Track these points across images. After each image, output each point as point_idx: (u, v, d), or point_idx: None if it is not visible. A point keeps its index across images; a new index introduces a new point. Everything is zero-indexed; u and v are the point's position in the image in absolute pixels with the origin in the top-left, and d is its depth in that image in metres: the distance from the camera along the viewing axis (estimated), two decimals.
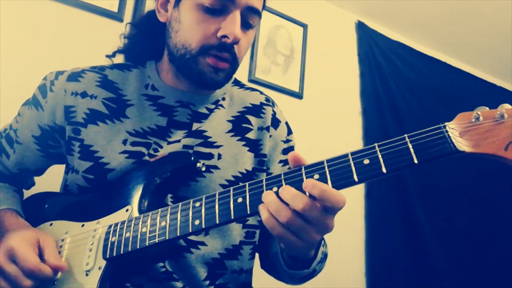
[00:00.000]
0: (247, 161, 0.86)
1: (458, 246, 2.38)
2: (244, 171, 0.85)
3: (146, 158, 0.80)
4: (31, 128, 0.88)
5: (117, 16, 1.69)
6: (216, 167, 0.82)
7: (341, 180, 0.58)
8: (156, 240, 0.67)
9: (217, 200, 0.65)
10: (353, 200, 2.16)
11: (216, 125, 0.87)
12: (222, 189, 0.67)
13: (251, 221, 0.87)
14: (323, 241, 0.78)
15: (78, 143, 0.82)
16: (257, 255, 0.93)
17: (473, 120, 0.54)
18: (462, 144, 0.53)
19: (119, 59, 0.96)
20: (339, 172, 0.58)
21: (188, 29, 0.78)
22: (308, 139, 1.92)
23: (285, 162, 0.93)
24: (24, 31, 1.52)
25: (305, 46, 2.22)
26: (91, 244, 0.73)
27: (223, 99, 0.92)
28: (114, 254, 0.70)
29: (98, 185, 0.80)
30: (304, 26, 2.25)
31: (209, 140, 0.84)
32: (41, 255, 0.71)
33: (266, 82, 2.05)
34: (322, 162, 0.60)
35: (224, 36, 0.76)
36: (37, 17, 1.55)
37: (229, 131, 0.87)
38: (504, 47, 2.65)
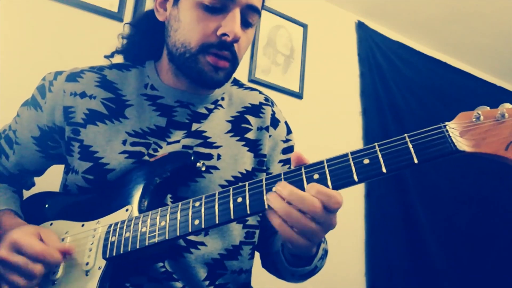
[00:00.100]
0: (246, 161, 0.86)
1: (458, 246, 2.38)
2: (244, 172, 0.85)
3: (146, 158, 0.80)
4: (30, 129, 0.88)
5: (117, 16, 1.69)
6: (215, 168, 0.82)
7: (341, 180, 0.58)
8: (156, 240, 0.67)
9: (216, 200, 0.64)
10: (353, 200, 2.16)
11: (216, 125, 0.87)
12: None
13: (251, 221, 0.87)
14: (323, 238, 0.78)
15: (77, 144, 0.82)
16: (257, 254, 0.93)
17: (474, 119, 0.54)
18: (463, 144, 0.53)
19: (119, 59, 0.96)
20: (339, 171, 0.58)
21: (187, 27, 0.78)
22: (308, 139, 1.92)
23: (285, 162, 0.93)
24: (24, 31, 1.52)
25: (305, 46, 2.22)
26: (91, 244, 0.73)
27: (222, 99, 0.91)
28: (114, 254, 0.70)
29: (98, 185, 0.79)
30: (304, 26, 2.25)
31: (208, 140, 0.84)
32: None
33: (266, 82, 2.05)
34: (322, 162, 0.60)
35: (224, 35, 0.76)
36: (37, 17, 1.55)
37: (229, 131, 0.87)
38: (504, 47, 2.65)
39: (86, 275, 0.70)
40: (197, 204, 0.66)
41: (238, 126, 0.88)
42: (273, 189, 0.60)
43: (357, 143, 2.25)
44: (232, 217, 0.62)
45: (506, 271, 2.45)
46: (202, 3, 0.76)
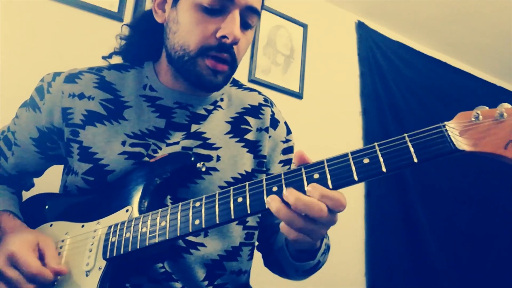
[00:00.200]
0: (246, 162, 0.86)
1: (458, 246, 2.38)
2: (244, 173, 0.85)
3: (146, 159, 0.80)
4: (29, 130, 0.87)
5: (117, 16, 1.69)
6: (215, 169, 0.82)
7: (341, 179, 0.58)
8: (156, 240, 0.67)
9: (217, 200, 0.64)
10: (353, 200, 2.16)
11: (215, 127, 0.86)
12: None
13: (251, 222, 0.87)
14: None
15: (77, 145, 0.81)
16: (257, 254, 0.93)
17: (473, 119, 0.54)
18: (462, 143, 0.53)
19: (117, 60, 0.96)
20: (339, 171, 0.58)
21: (186, 30, 0.77)
22: (308, 139, 1.92)
23: (285, 163, 0.93)
24: (24, 31, 1.52)
25: (305, 46, 2.22)
26: (91, 245, 0.73)
27: (222, 100, 0.91)
28: (114, 255, 0.70)
29: (98, 186, 0.79)
30: (304, 26, 2.25)
31: (208, 141, 0.84)
32: (41, 258, 0.71)
33: (266, 82, 2.05)
34: (322, 162, 0.60)
35: (224, 37, 0.75)
36: (37, 17, 1.55)
37: (228, 133, 0.87)
38: (504, 47, 2.65)
39: (87, 275, 0.71)
40: (197, 204, 0.66)
41: (237, 127, 0.88)
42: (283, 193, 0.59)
43: (357, 143, 2.26)
44: (233, 217, 0.62)
45: (506, 271, 2.45)
46: (201, 5, 0.75)
